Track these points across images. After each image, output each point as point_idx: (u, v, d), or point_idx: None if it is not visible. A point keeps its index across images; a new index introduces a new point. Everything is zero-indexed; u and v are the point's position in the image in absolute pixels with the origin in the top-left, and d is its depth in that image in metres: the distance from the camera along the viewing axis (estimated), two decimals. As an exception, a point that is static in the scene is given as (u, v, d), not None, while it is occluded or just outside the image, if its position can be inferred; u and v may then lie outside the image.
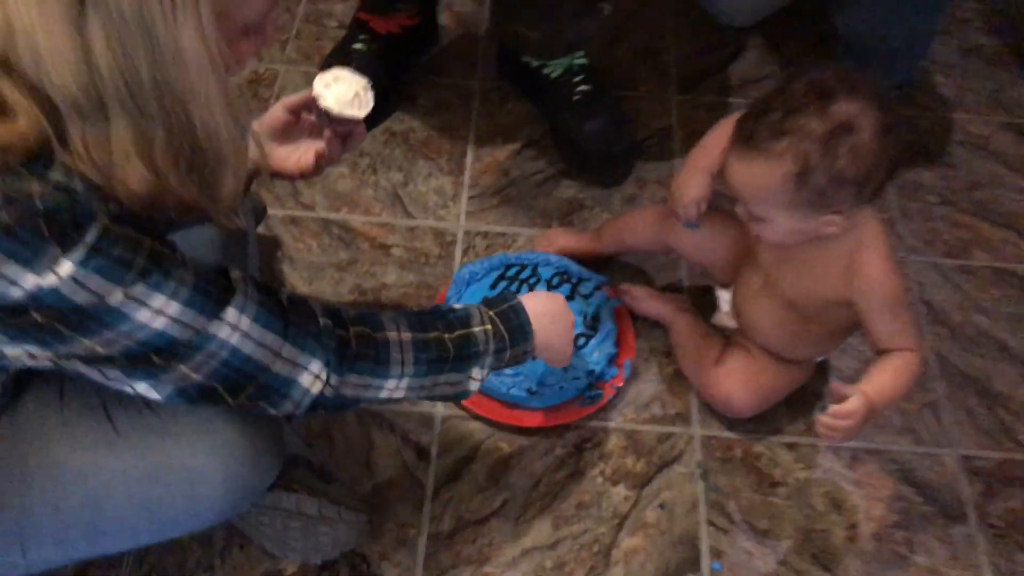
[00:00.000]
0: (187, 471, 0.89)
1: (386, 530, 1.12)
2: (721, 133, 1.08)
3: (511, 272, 1.30)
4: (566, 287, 1.29)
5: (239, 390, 0.80)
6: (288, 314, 0.82)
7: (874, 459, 1.20)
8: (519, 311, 0.99)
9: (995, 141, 1.58)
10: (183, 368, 0.76)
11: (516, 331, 0.98)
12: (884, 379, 1.03)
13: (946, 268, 1.41)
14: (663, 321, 1.30)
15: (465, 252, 1.39)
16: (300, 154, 1.05)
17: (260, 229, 1.37)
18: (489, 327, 0.95)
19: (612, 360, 1.24)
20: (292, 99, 1.03)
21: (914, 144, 1.56)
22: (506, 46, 1.57)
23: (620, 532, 1.13)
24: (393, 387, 0.89)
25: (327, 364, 0.83)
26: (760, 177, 0.97)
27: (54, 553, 0.89)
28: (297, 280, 1.34)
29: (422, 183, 1.47)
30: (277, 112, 1.04)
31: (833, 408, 0.97)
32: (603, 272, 1.34)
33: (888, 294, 1.04)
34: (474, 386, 0.96)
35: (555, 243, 1.37)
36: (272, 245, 1.38)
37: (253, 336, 0.78)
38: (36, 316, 0.69)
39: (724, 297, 1.26)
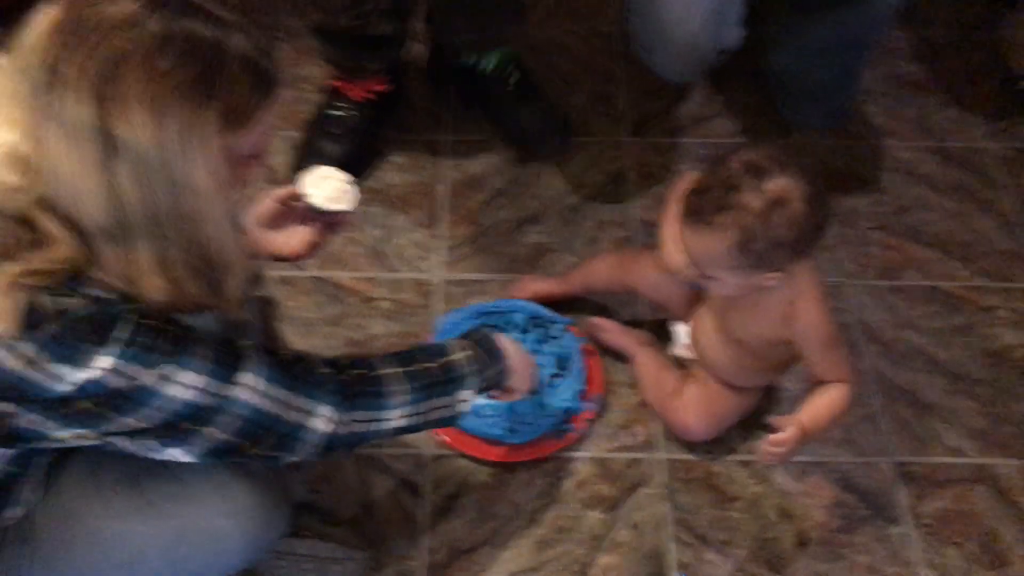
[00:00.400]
0: (210, 532, 1.02)
1: (388, 563, 1.25)
2: (677, 198, 1.22)
3: (490, 320, 1.44)
4: (539, 331, 1.43)
5: (260, 442, 0.92)
6: (293, 369, 0.95)
7: (818, 470, 1.35)
8: (490, 338, 1.13)
9: (922, 166, 1.73)
10: (210, 430, 0.88)
11: (490, 354, 1.11)
12: (818, 409, 1.18)
13: (880, 289, 1.55)
14: (627, 353, 1.44)
15: (445, 301, 1.52)
16: (295, 240, 1.18)
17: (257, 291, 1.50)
18: (469, 352, 1.09)
19: (582, 396, 1.38)
20: (280, 192, 1.17)
21: (849, 172, 1.71)
22: (443, 53, 1.73)
23: (597, 552, 1.27)
24: (396, 416, 1.01)
25: (334, 406, 0.96)
26: (708, 246, 1.10)
27: None
28: (293, 336, 1.47)
29: (402, 237, 1.61)
30: (268, 204, 1.17)
31: (771, 437, 1.12)
32: (570, 313, 1.48)
33: (822, 335, 1.18)
34: (464, 407, 1.08)
35: (528, 289, 1.51)
36: (268, 305, 1.51)
37: (268, 394, 0.91)
38: (84, 404, 0.82)
39: (680, 331, 1.40)
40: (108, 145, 0.75)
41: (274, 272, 1.53)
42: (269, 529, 1.07)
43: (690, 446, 1.36)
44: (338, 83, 1.67)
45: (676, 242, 1.26)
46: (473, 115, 1.78)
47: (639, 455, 1.36)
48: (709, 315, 1.30)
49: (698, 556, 1.27)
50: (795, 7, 1.70)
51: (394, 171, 1.70)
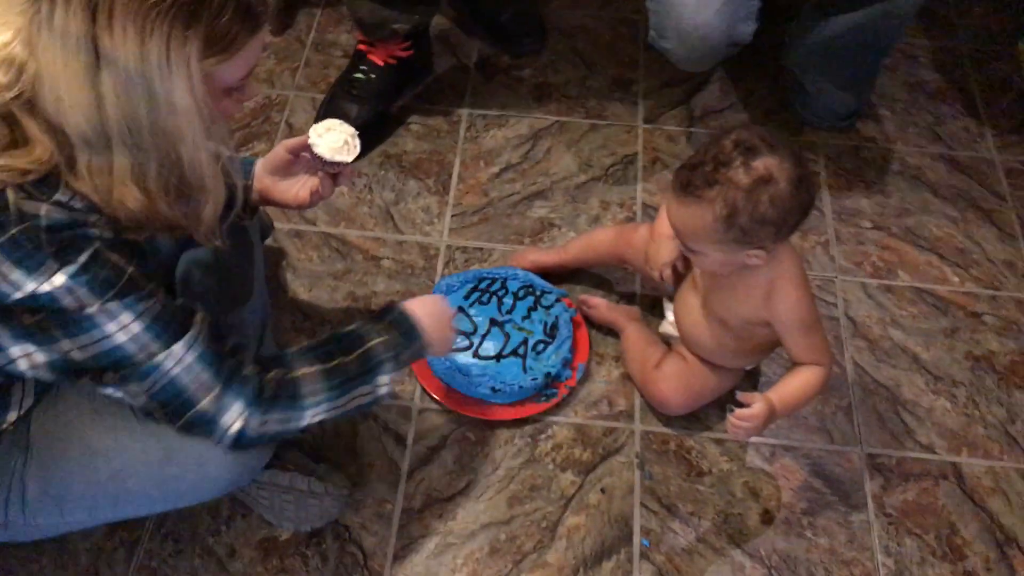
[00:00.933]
0: (196, 453, 1.08)
1: (366, 505, 1.32)
2: None
3: (483, 284, 1.50)
4: (530, 299, 1.48)
5: (175, 416, 0.97)
6: (225, 361, 0.98)
7: (790, 454, 1.39)
8: (405, 316, 1.14)
9: (929, 172, 1.76)
10: (133, 387, 0.94)
11: (407, 335, 1.12)
12: (789, 388, 1.22)
13: (871, 287, 1.59)
14: (615, 328, 1.49)
15: (446, 265, 1.58)
16: (297, 189, 1.25)
17: (268, 241, 1.57)
18: (385, 337, 1.09)
19: (567, 363, 1.43)
20: (292, 141, 1.23)
21: (856, 173, 1.74)
22: None
23: (566, 511, 1.33)
24: (312, 415, 1.04)
25: (248, 405, 0.99)
26: (694, 218, 1.15)
27: (86, 516, 1.10)
28: (298, 287, 1.54)
29: (412, 202, 1.67)
30: (279, 152, 1.24)
31: (738, 411, 1.17)
32: (565, 286, 1.54)
33: (800, 316, 1.23)
34: (383, 390, 1.09)
35: (527, 258, 1.56)
36: (278, 255, 1.58)
37: (194, 368, 0.95)
38: (31, 317, 0.87)
39: (670, 307, 1.45)
40: (95, 55, 0.80)
41: (286, 225, 1.61)
42: (252, 456, 1.13)
43: (667, 420, 1.41)
44: (363, 46, 1.74)
45: (664, 238, 1.34)
46: (492, 89, 1.84)
47: (616, 424, 1.41)
48: (694, 294, 1.35)
49: (663, 524, 1.32)
50: (816, 6, 1.73)
51: (411, 138, 1.76)
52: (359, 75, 1.74)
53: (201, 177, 0.89)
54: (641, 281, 1.56)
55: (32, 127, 0.84)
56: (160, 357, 0.93)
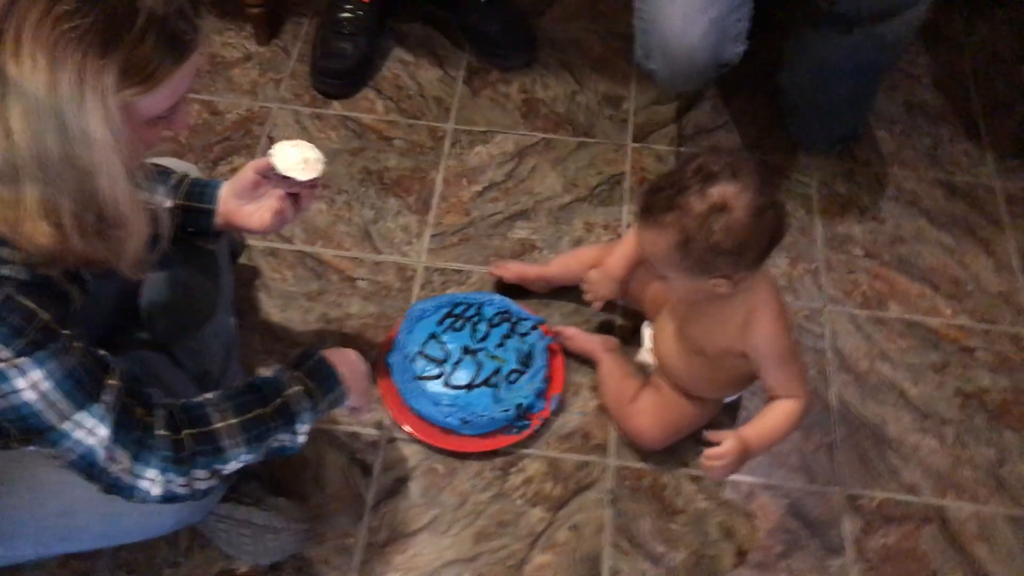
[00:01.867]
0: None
1: (328, 537, 1.28)
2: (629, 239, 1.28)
3: (457, 310, 1.46)
4: (506, 325, 1.44)
5: (95, 480, 0.93)
6: (133, 431, 0.93)
7: (768, 493, 1.35)
8: (323, 365, 1.10)
9: (925, 197, 1.70)
10: (52, 451, 0.90)
11: (324, 384, 1.09)
12: (765, 423, 1.18)
13: (860, 319, 1.54)
14: (592, 358, 1.45)
15: (423, 287, 1.55)
16: (262, 211, 1.21)
17: (241, 259, 1.53)
18: (300, 388, 1.06)
19: (541, 394, 1.39)
20: (258, 162, 1.19)
21: (849, 197, 1.69)
22: None
23: (533, 549, 1.29)
24: (235, 464, 1.01)
25: (164, 471, 0.95)
26: (653, 243, 1.13)
27: (32, 550, 1.07)
28: (271, 308, 1.51)
29: (391, 220, 1.63)
30: (246, 173, 1.20)
31: (708, 450, 1.13)
32: (543, 312, 1.50)
33: (777, 348, 1.18)
34: (302, 439, 1.06)
35: (509, 268, 1.53)
36: (251, 274, 1.55)
37: (103, 445, 0.90)
38: None
39: (647, 334, 1.41)
40: (1, 83, 0.75)
41: (261, 243, 1.57)
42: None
43: (642, 454, 1.37)
44: None
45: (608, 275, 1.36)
46: (479, 104, 1.80)
47: (589, 458, 1.37)
48: (671, 319, 1.31)
49: (633, 565, 1.28)
50: (811, 25, 1.68)
51: (394, 154, 1.72)
52: (346, 14, 1.78)
53: (120, 212, 0.84)
54: (622, 309, 1.52)
55: None
56: (67, 426, 0.88)
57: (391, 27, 1.89)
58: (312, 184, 1.17)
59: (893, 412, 1.44)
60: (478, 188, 1.68)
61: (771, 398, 1.21)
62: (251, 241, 1.55)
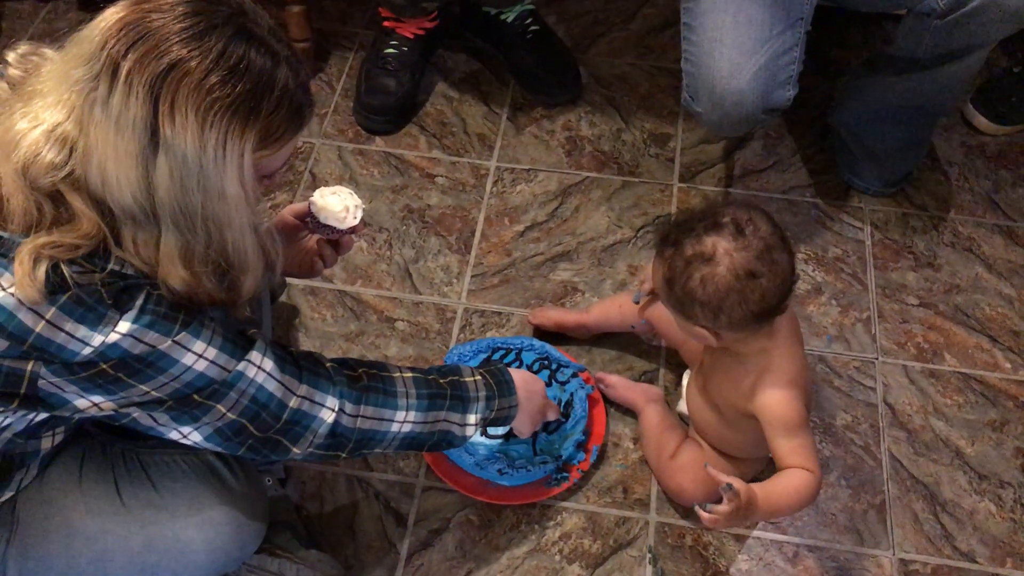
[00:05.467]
0: (178, 542, 1.06)
1: (361, 590, 1.26)
2: None
3: (496, 355, 1.43)
4: (545, 373, 1.41)
5: (266, 426, 0.96)
6: (300, 360, 1.00)
7: (815, 555, 1.30)
8: (504, 372, 1.19)
9: (984, 244, 1.64)
10: (219, 407, 0.93)
11: (502, 385, 1.16)
12: (775, 487, 1.12)
13: (914, 372, 1.48)
14: (634, 409, 1.41)
15: (462, 329, 1.52)
16: (301, 257, 1.21)
17: (282, 298, 1.52)
18: (478, 378, 1.14)
19: (581, 445, 1.36)
20: (297, 206, 1.19)
21: (903, 243, 1.64)
22: (470, 3, 1.85)
23: (570, 608, 1.25)
24: (402, 419, 1.06)
25: (341, 396, 1.01)
26: (654, 270, 1.14)
27: None
28: (308, 348, 1.49)
29: (431, 260, 1.61)
30: (284, 217, 1.20)
31: (710, 506, 1.05)
32: (584, 359, 1.46)
33: (784, 416, 1.13)
34: (470, 431, 1.12)
35: (547, 314, 1.50)
36: (291, 313, 1.54)
37: (274, 375, 0.96)
38: (105, 367, 0.86)
39: (686, 384, 1.37)
40: (152, 141, 0.81)
41: (301, 282, 1.56)
42: (237, 545, 1.09)
43: (684, 511, 1.33)
44: (390, 23, 1.79)
45: None
46: (523, 141, 1.78)
47: (630, 513, 1.33)
48: (699, 371, 1.28)
49: (673, 628, 1.24)
50: (867, 67, 1.64)
51: (436, 191, 1.70)
52: (391, 50, 1.78)
53: (244, 258, 0.91)
54: (666, 356, 1.48)
55: (77, 202, 0.84)
56: (241, 366, 0.93)
57: (435, 62, 1.88)
58: (352, 230, 1.16)
59: (948, 472, 1.38)
60: (520, 228, 1.65)
61: (780, 468, 1.15)
62: (291, 280, 1.54)
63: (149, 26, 0.81)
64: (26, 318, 0.83)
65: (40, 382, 0.86)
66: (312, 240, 1.22)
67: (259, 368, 0.94)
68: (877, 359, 1.50)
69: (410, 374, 1.09)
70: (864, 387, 1.46)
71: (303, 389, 0.98)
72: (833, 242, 1.65)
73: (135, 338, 0.85)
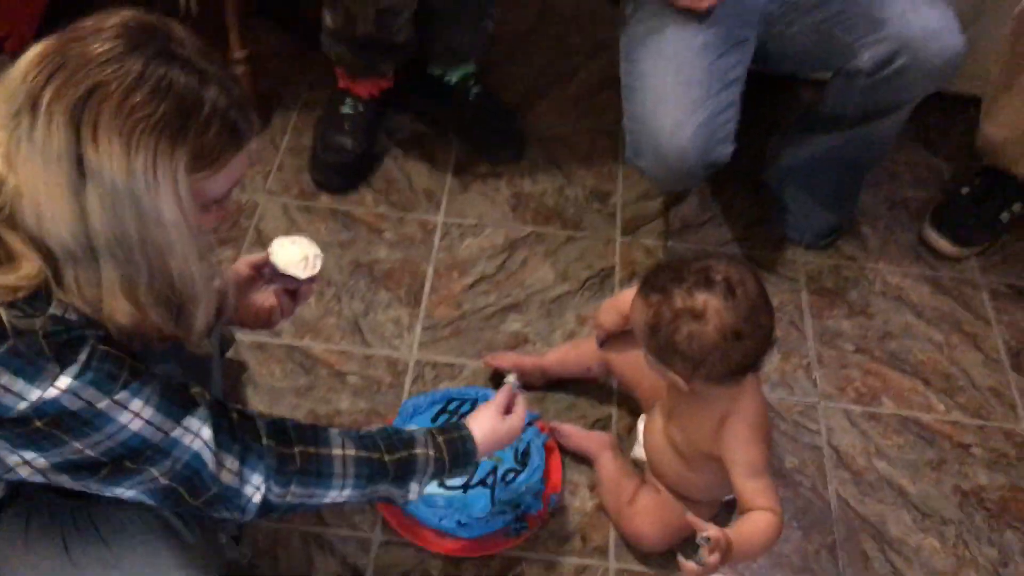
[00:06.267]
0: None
1: (319, 649, 1.23)
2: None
3: (452, 406, 1.43)
4: (501, 423, 1.41)
5: (198, 494, 0.93)
6: (236, 431, 0.96)
7: (772, 597, 1.32)
8: (467, 440, 1.12)
9: (912, 292, 1.72)
10: (153, 471, 0.89)
11: (458, 458, 1.12)
12: (744, 529, 1.14)
13: (855, 415, 1.53)
14: (588, 456, 1.42)
15: (414, 381, 1.52)
16: (256, 308, 1.20)
17: (229, 354, 1.50)
18: (432, 452, 1.09)
19: (539, 494, 1.36)
20: (253, 257, 1.19)
21: (837, 292, 1.71)
22: (417, 61, 1.85)
23: (533, 659, 1.24)
24: (335, 496, 1.02)
25: (268, 478, 0.96)
26: (635, 312, 1.16)
27: None
28: (258, 404, 1.47)
29: (381, 313, 1.61)
30: (241, 267, 1.19)
31: (701, 555, 1.06)
32: (538, 408, 1.47)
33: (749, 457, 1.16)
34: (412, 497, 1.09)
35: (505, 357, 1.51)
36: (238, 369, 1.51)
37: (210, 446, 0.92)
38: (38, 423, 0.83)
39: (642, 428, 1.39)
40: (79, 170, 0.78)
41: (248, 337, 1.54)
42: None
43: (643, 557, 1.33)
44: (345, 84, 1.80)
45: (614, 309, 1.36)
46: (469, 198, 1.80)
47: (589, 561, 1.33)
48: (660, 414, 1.30)
49: (636, 675, 1.23)
50: (798, 125, 1.72)
51: (384, 246, 1.71)
52: (347, 110, 1.79)
53: (192, 287, 0.88)
54: (617, 403, 1.50)
55: (16, 242, 0.81)
56: (177, 433, 0.90)
57: (382, 121, 1.91)
58: (311, 280, 1.16)
59: (893, 511, 1.42)
60: (469, 280, 1.67)
61: (744, 511, 1.17)
62: (239, 335, 1.52)
63: (68, 54, 0.79)
64: None
65: None
66: (267, 291, 1.21)
67: (196, 436, 0.91)
68: (819, 403, 1.54)
69: (352, 452, 1.03)
70: (809, 431, 1.50)
71: (233, 463, 0.94)
72: (771, 292, 1.67)
73: (74, 394, 0.83)
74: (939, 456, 1.49)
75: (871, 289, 1.72)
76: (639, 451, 1.38)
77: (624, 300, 1.41)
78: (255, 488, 0.96)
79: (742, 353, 1.09)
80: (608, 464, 1.39)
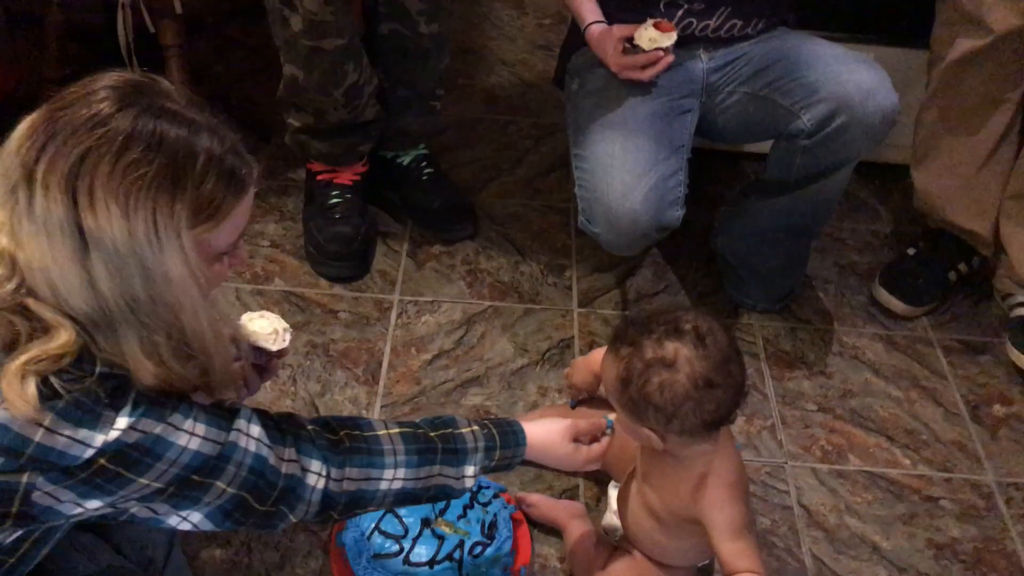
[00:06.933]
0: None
1: None
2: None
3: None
4: (466, 495, 1.37)
5: (264, 496, 0.93)
6: (281, 424, 0.97)
7: (754, 662, 1.26)
8: (512, 423, 1.15)
9: (867, 351, 1.74)
10: (219, 484, 0.89)
11: (509, 437, 1.13)
12: None
13: (822, 473, 1.52)
14: (557, 526, 1.38)
15: (375, 460, 1.47)
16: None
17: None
18: (476, 428, 1.11)
19: (507, 568, 1.31)
20: None
21: (795, 354, 1.72)
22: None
23: None
24: (391, 476, 1.02)
25: (325, 461, 0.97)
26: (606, 367, 1.13)
27: None
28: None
29: (339, 392, 1.57)
30: None
31: None
32: (503, 480, 1.44)
33: (729, 518, 1.13)
34: (469, 483, 1.09)
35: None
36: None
37: (264, 441, 0.93)
38: (103, 462, 0.82)
39: (614, 495, 1.35)
40: (82, 239, 0.78)
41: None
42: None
43: (618, 628, 1.29)
44: (325, 176, 1.81)
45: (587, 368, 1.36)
46: (424, 276, 1.80)
47: (563, 635, 1.28)
48: (635, 479, 1.27)
49: None
50: (744, 194, 1.76)
51: (339, 326, 1.69)
52: (335, 200, 1.79)
53: (203, 341, 0.87)
54: (585, 472, 1.47)
55: (46, 313, 0.81)
56: (232, 437, 0.90)
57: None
58: (280, 354, 1.15)
59: (869, 568, 1.39)
60: (428, 356, 1.65)
61: (728, 573, 1.13)
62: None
63: (56, 124, 0.79)
64: (23, 430, 0.79)
65: (34, 494, 0.81)
66: (235, 367, 1.18)
67: (248, 436, 0.92)
68: (786, 463, 1.53)
69: (396, 430, 1.06)
70: (778, 491, 1.48)
71: (290, 453, 0.95)
72: (730, 357, 1.70)
73: (133, 428, 0.83)
74: (909, 510, 1.48)
75: (828, 350, 1.74)
76: (611, 518, 1.35)
77: (595, 358, 1.40)
78: (316, 475, 0.97)
79: (715, 403, 1.07)
80: (578, 532, 1.35)
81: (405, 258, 1.84)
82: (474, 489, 1.38)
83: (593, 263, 1.86)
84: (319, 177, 1.82)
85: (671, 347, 1.06)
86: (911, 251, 1.84)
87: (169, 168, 0.80)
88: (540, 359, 1.66)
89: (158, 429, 0.84)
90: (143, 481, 0.85)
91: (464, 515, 1.35)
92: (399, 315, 1.72)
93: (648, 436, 1.12)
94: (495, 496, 1.38)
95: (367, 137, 1.79)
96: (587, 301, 1.78)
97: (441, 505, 1.35)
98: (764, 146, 1.66)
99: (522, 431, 1.16)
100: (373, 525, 1.32)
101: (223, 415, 0.91)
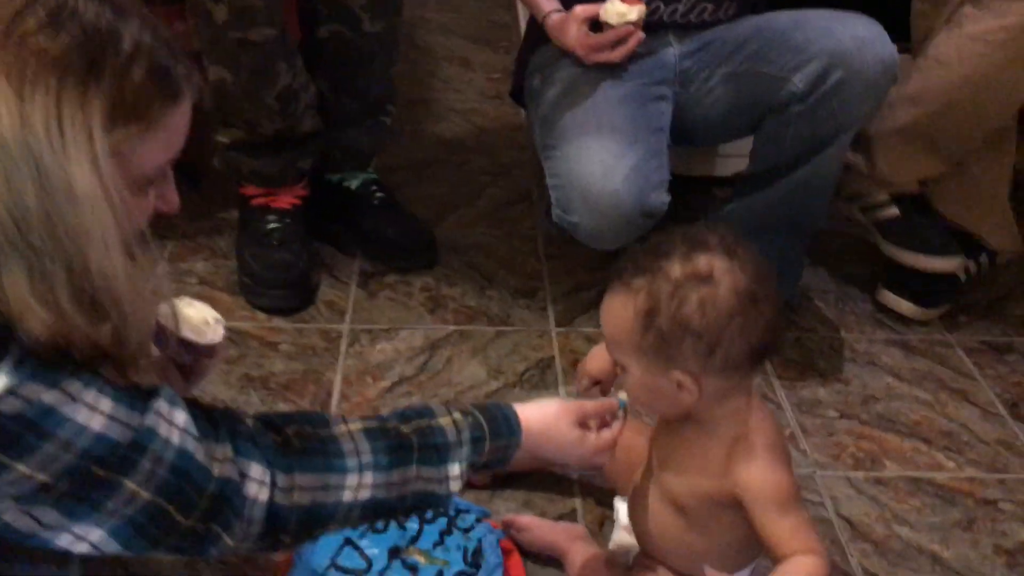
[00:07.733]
0: None
1: None
2: None
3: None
4: (443, 520, 1.12)
5: (190, 505, 0.70)
6: (212, 413, 0.76)
7: None
8: (503, 408, 0.93)
9: (883, 356, 1.55)
10: (129, 483, 0.67)
11: (496, 422, 0.90)
12: None
13: (858, 481, 1.30)
14: (556, 553, 1.13)
15: (328, 496, 1.21)
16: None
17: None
18: (457, 416, 0.88)
19: (498, 602, 1.05)
20: None
21: (804, 362, 1.52)
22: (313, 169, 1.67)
23: None
24: (356, 483, 0.79)
25: (269, 464, 0.75)
26: (616, 312, 0.91)
27: None
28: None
29: (282, 427, 1.32)
30: None
31: None
32: (485, 505, 1.19)
33: (773, 489, 0.91)
34: (454, 485, 0.86)
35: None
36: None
37: (191, 433, 0.71)
38: None
39: (622, 509, 1.11)
40: None
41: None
42: None
43: (642, 668, 1.02)
44: (261, 200, 1.60)
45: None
46: (378, 304, 1.58)
47: None
48: (647, 477, 1.03)
49: None
50: (734, 195, 1.60)
51: (279, 359, 1.45)
52: (273, 225, 1.58)
53: (116, 292, 0.65)
54: (582, 493, 1.23)
55: None
56: (148, 421, 0.69)
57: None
58: (209, 353, 0.93)
59: (933, 581, 1.16)
60: (386, 384, 1.41)
61: (779, 559, 0.91)
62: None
63: None
64: None
65: None
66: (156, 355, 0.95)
67: (170, 423, 0.70)
68: (815, 473, 1.31)
69: (359, 425, 0.83)
70: (811, 503, 1.25)
71: (224, 451, 0.73)
72: (732, 370, 1.50)
73: (13, 393, 0.62)
74: (966, 515, 1.25)
75: (840, 356, 1.54)
76: (622, 536, 1.10)
77: None
78: (258, 483, 0.74)
79: (762, 324, 0.87)
80: (582, 557, 1.09)
81: (355, 288, 1.62)
82: (452, 514, 1.13)
83: (569, 284, 1.66)
84: (253, 202, 1.61)
85: (704, 260, 0.87)
86: (895, 211, 1.64)
87: (83, 49, 0.63)
88: (518, 380, 1.44)
89: (49, 397, 0.63)
90: (22, 469, 0.63)
91: (441, 542, 1.09)
92: (351, 344, 1.49)
93: (675, 393, 0.90)
94: (478, 520, 1.13)
95: (305, 152, 1.59)
96: (566, 321, 1.58)
97: (413, 532, 1.09)
98: (739, 165, 1.53)
99: (515, 415, 0.93)
100: (327, 563, 1.05)
101: (137, 393, 0.69)
